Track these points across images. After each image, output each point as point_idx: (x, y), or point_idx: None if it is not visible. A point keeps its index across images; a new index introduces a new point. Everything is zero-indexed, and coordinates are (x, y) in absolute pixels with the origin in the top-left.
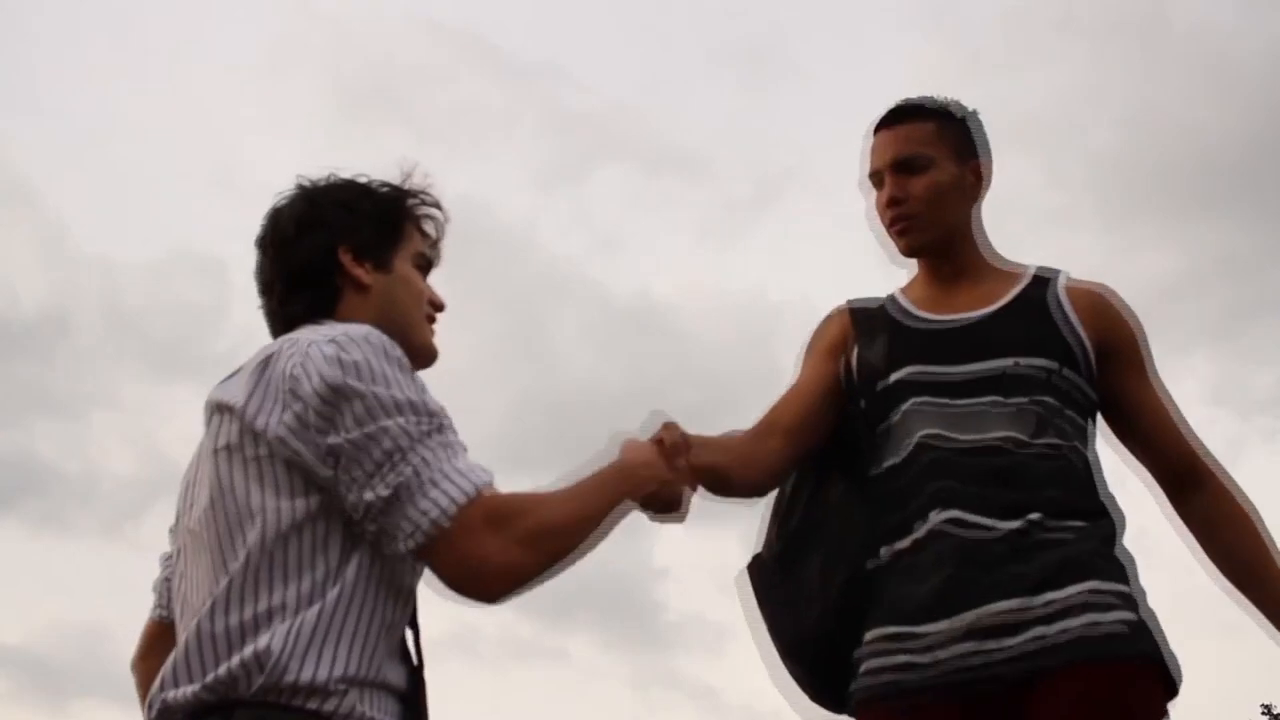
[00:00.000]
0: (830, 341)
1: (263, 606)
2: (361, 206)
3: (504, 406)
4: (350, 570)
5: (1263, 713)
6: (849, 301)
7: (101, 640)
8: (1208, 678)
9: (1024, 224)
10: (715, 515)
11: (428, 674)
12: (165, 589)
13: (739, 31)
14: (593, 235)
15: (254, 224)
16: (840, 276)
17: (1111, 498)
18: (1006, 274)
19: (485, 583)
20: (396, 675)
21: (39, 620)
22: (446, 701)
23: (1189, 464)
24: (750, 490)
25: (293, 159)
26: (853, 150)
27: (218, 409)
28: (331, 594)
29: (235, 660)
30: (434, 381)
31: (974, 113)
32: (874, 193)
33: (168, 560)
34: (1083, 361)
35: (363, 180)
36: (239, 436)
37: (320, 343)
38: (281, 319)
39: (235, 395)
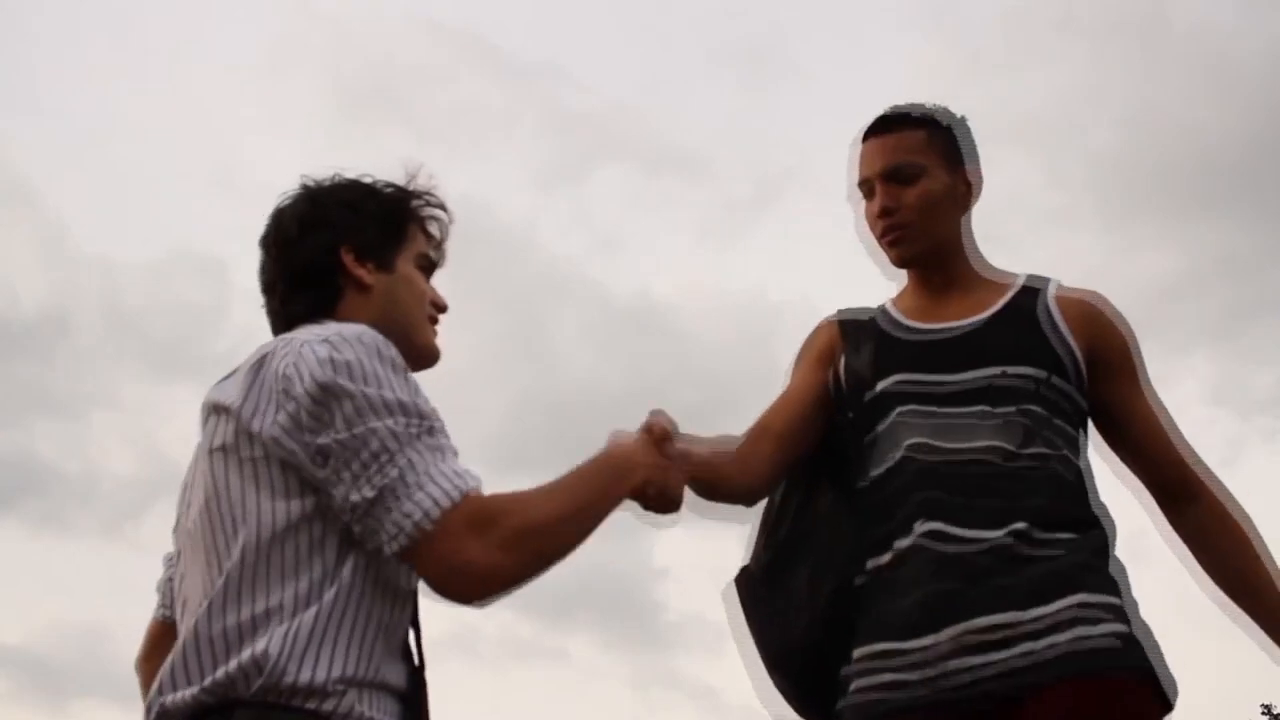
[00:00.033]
0: (819, 351)
1: (260, 608)
2: (365, 207)
3: (504, 406)
4: (346, 571)
5: (1263, 713)
6: (839, 311)
7: (101, 640)
8: (1208, 678)
9: (1024, 224)
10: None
11: (428, 674)
12: (168, 589)
13: (739, 31)
14: (593, 235)
15: (254, 224)
16: (840, 276)
17: (1104, 507)
18: (996, 283)
19: (468, 586)
20: (396, 675)
21: (39, 620)
22: (446, 701)
23: (1181, 474)
24: (741, 492)
25: (293, 159)
26: (854, 150)
27: (214, 410)
28: (329, 595)
29: (233, 664)
30: (434, 381)
31: (962, 119)
32: (863, 202)
33: (171, 560)
34: (1072, 370)
35: (367, 180)
36: (234, 437)
37: (313, 342)
38: (283, 318)
39: (231, 396)
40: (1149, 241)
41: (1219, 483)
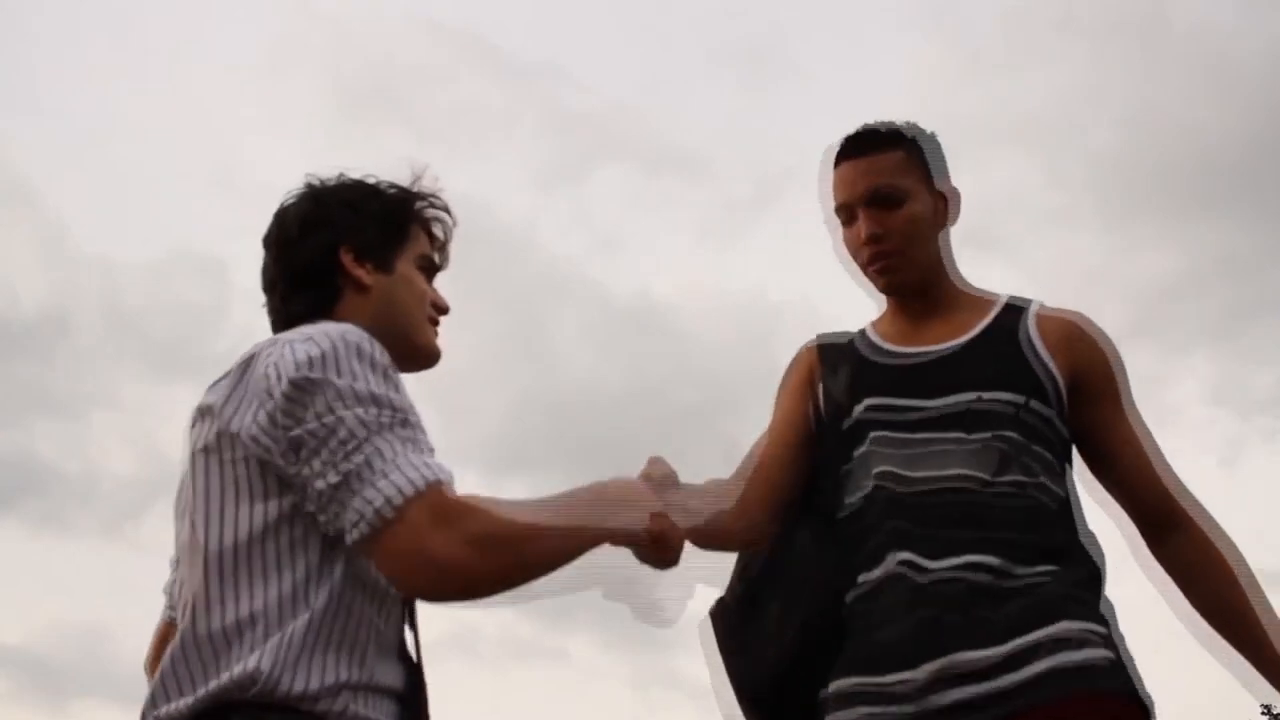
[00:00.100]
0: (798, 380)
1: (244, 610)
2: (367, 207)
3: (504, 406)
4: (332, 572)
5: (1263, 713)
6: (818, 337)
7: (101, 640)
8: (1208, 677)
9: (1024, 224)
10: None
11: (428, 674)
12: (175, 591)
13: (739, 31)
14: (593, 235)
15: (254, 224)
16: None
17: (1092, 536)
18: (978, 304)
19: (426, 579)
20: (393, 677)
21: (39, 620)
22: (446, 701)
23: (1165, 504)
24: (741, 544)
25: (293, 159)
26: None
27: (200, 412)
28: (319, 600)
29: (225, 677)
30: (434, 381)
31: (931, 135)
32: (840, 228)
33: (176, 562)
34: (1053, 395)
35: (371, 181)
36: (215, 439)
37: (295, 342)
38: (284, 318)
39: (216, 398)
40: (1149, 241)
41: (1205, 513)
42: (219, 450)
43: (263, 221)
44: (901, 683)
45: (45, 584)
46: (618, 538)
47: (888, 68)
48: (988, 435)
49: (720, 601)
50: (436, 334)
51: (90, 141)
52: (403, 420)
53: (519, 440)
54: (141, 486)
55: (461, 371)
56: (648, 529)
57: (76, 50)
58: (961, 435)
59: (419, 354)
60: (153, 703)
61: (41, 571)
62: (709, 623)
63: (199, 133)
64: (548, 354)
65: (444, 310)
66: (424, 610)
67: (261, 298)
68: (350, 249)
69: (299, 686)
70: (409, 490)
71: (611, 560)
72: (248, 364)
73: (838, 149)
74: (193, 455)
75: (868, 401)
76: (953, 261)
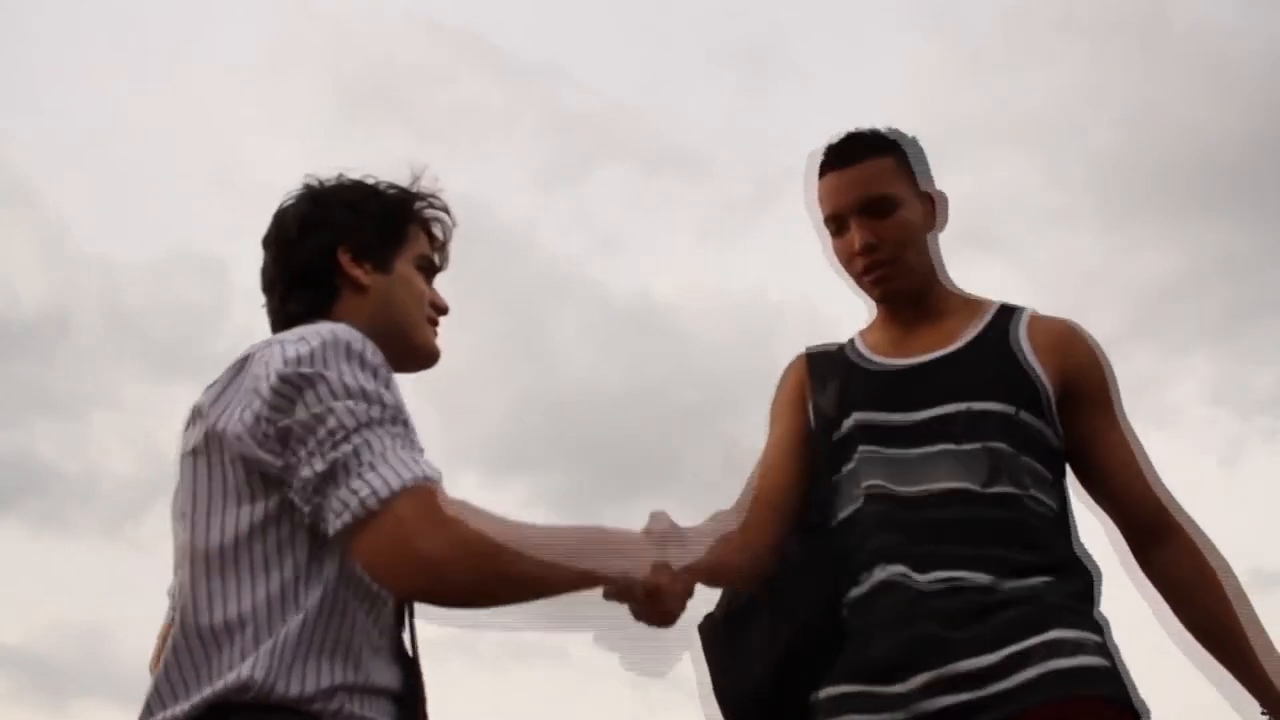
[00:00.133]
0: (790, 394)
1: (231, 611)
2: (366, 207)
3: (504, 406)
4: (330, 574)
5: (1263, 713)
6: (808, 348)
7: (101, 640)
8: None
9: (1024, 224)
10: None
11: (427, 674)
12: (176, 594)
13: (739, 31)
14: (593, 235)
15: (254, 224)
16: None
17: (1084, 550)
18: (969, 309)
19: (404, 571)
20: (389, 677)
21: (39, 620)
22: (446, 701)
23: (1156, 514)
24: (751, 577)
25: (293, 159)
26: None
27: (193, 413)
28: (311, 601)
29: (220, 683)
30: (434, 381)
31: (914, 139)
32: (830, 238)
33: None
34: (1045, 403)
35: (371, 181)
36: (203, 440)
37: (287, 341)
38: (283, 318)
39: (207, 399)
40: (1149, 241)
41: (1195, 525)
42: (207, 452)
43: (263, 221)
44: (894, 694)
45: (45, 584)
46: (609, 583)
47: (888, 68)
48: (977, 446)
49: (709, 616)
50: (436, 334)
51: (90, 141)
52: (393, 417)
53: (519, 440)
54: (141, 486)
55: (461, 371)
56: (645, 580)
57: (76, 50)
58: (949, 446)
59: (418, 354)
60: (148, 710)
61: (41, 571)
62: (697, 637)
63: (199, 133)
64: (548, 354)
65: (443, 310)
66: (422, 609)
67: (261, 298)
68: (348, 249)
69: (294, 691)
70: (396, 484)
71: (605, 611)
72: (242, 365)
73: (822, 158)
74: (183, 457)
75: (856, 415)
76: (943, 265)
